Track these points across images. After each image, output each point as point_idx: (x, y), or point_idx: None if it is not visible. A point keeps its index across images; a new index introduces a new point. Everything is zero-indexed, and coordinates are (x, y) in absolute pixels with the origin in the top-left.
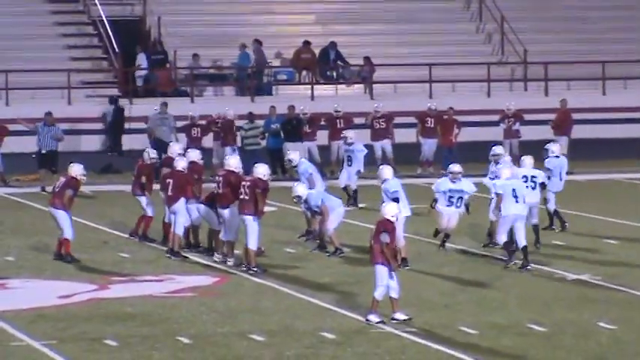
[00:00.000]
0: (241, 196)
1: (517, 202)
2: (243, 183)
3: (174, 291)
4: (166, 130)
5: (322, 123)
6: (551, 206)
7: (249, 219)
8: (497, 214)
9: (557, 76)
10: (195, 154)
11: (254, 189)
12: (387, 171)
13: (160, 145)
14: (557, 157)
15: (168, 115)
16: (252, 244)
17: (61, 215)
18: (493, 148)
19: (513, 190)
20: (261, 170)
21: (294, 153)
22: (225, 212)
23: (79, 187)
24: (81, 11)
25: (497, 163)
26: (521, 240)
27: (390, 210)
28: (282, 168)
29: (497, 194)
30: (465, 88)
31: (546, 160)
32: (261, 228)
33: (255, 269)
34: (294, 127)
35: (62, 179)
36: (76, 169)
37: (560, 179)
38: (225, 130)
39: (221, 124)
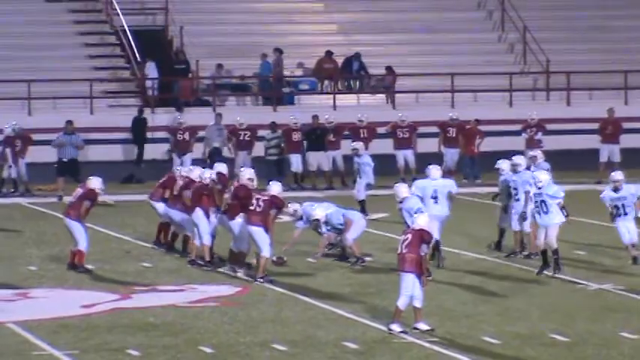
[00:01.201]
0: (251, 207)
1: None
2: (258, 197)
3: (197, 301)
4: (221, 140)
5: (346, 132)
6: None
7: (259, 230)
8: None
9: (579, 86)
10: (222, 167)
11: (270, 206)
12: (403, 189)
13: (217, 155)
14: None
15: (222, 127)
16: (267, 252)
17: (76, 226)
18: (513, 158)
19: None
20: (277, 188)
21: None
22: (234, 224)
23: (96, 200)
24: (103, 21)
25: (515, 172)
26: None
27: (425, 220)
28: (294, 178)
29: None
30: (487, 97)
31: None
32: (272, 239)
33: (261, 279)
34: (318, 137)
35: (79, 190)
36: (95, 182)
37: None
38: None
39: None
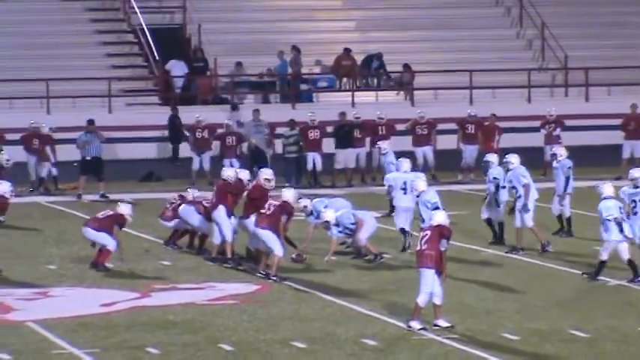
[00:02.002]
0: (263, 210)
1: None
2: (271, 202)
3: (216, 299)
4: (261, 137)
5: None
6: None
7: (266, 233)
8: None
9: (597, 82)
10: (244, 174)
11: (280, 212)
12: (421, 183)
13: (257, 154)
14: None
15: (262, 123)
16: (278, 250)
17: (96, 234)
18: (506, 155)
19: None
20: (289, 195)
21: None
22: (249, 222)
23: (124, 225)
24: (121, 19)
25: (508, 170)
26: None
27: (443, 217)
28: (302, 175)
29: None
30: (505, 94)
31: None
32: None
33: (274, 277)
34: (346, 133)
35: (109, 212)
36: (125, 209)
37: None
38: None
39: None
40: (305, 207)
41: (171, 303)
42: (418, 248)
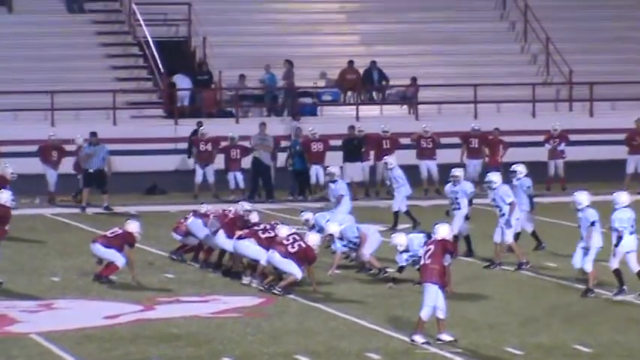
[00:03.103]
0: (285, 243)
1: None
2: (295, 236)
3: (220, 312)
4: (265, 150)
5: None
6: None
7: (287, 261)
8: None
9: (602, 97)
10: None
11: (302, 257)
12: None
13: (259, 167)
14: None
15: (267, 137)
16: (298, 274)
17: (105, 250)
18: (452, 170)
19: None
20: (313, 239)
21: (335, 167)
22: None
23: (134, 244)
24: (126, 32)
25: (491, 189)
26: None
27: (446, 231)
28: (309, 189)
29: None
30: (509, 108)
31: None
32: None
33: (279, 290)
34: (355, 147)
35: (117, 230)
36: (134, 227)
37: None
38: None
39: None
40: (307, 220)
41: (175, 316)
42: (422, 263)
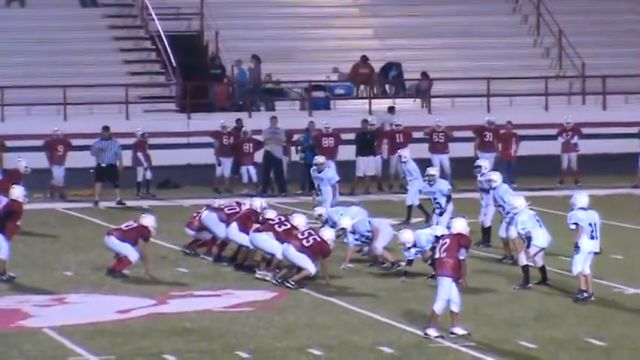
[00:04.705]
0: (300, 237)
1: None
2: (310, 231)
3: (233, 306)
4: (277, 144)
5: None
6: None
7: (301, 255)
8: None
9: (615, 90)
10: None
11: (317, 251)
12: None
13: (271, 160)
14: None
15: (279, 130)
16: (311, 269)
17: (119, 244)
18: (428, 168)
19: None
20: (328, 234)
21: (322, 157)
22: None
23: (149, 238)
24: (139, 26)
25: (491, 188)
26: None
27: (462, 225)
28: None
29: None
30: (522, 102)
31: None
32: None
33: (292, 284)
34: (368, 141)
35: (133, 223)
36: (149, 221)
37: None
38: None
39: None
40: (320, 215)
41: (188, 310)
42: (437, 256)
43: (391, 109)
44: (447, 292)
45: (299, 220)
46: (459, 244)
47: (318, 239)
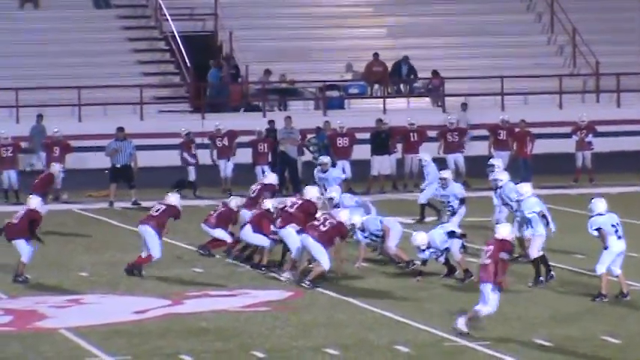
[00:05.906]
0: (316, 223)
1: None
2: (326, 216)
3: (249, 305)
4: (293, 145)
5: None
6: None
7: (318, 246)
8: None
9: (629, 87)
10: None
11: (335, 233)
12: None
13: (285, 160)
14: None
15: (294, 130)
16: (326, 264)
17: (153, 234)
18: (441, 172)
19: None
20: (344, 215)
21: (326, 157)
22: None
23: (179, 216)
24: (153, 27)
25: (497, 187)
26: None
27: (507, 231)
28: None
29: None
30: (536, 100)
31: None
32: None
33: (308, 283)
34: (382, 140)
35: (162, 206)
36: (174, 199)
37: None
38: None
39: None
40: (332, 199)
41: (203, 310)
42: (481, 262)
43: (464, 106)
44: (491, 299)
45: (313, 192)
46: (500, 250)
47: (335, 222)
